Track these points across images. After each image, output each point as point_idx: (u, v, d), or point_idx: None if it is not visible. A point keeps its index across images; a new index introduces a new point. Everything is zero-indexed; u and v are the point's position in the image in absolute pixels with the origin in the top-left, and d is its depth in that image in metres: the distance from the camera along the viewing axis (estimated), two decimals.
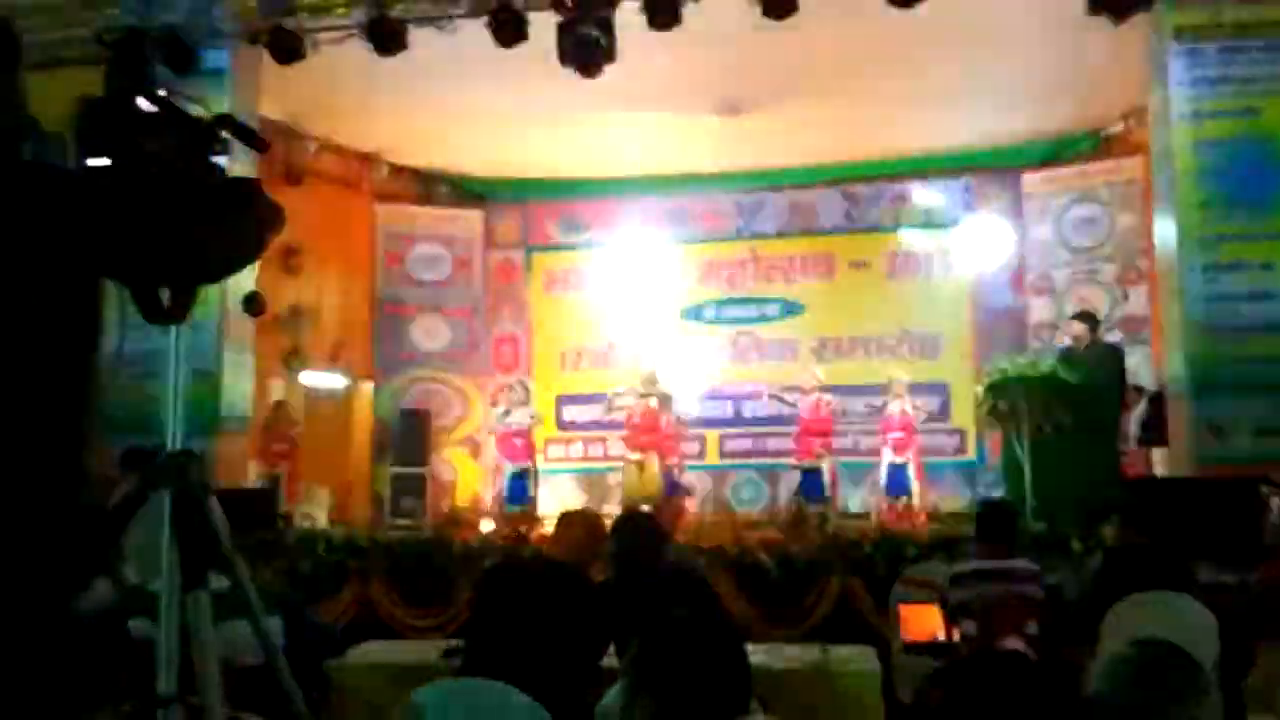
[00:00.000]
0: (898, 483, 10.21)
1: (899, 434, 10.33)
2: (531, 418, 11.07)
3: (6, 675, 1.78)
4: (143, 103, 1.98)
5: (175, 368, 2.19)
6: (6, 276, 1.76)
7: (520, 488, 10.63)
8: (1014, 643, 4.15)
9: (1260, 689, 2.39)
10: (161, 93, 1.95)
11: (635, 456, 10.31)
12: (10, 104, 1.92)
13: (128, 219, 1.90)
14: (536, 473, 10.99)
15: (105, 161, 1.93)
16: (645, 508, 9.57)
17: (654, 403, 10.43)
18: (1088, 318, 8.48)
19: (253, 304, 2.33)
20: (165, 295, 2.08)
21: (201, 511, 2.02)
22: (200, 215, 1.95)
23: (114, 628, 3.17)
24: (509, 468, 10.78)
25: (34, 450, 1.80)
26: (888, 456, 10.37)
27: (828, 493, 10.16)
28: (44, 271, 1.79)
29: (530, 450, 10.97)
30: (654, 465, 10.21)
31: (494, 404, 11.63)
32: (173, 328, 2.12)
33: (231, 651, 2.27)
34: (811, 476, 10.23)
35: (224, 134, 2.03)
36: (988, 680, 1.90)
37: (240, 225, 2.03)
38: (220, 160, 2.01)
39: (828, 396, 10.57)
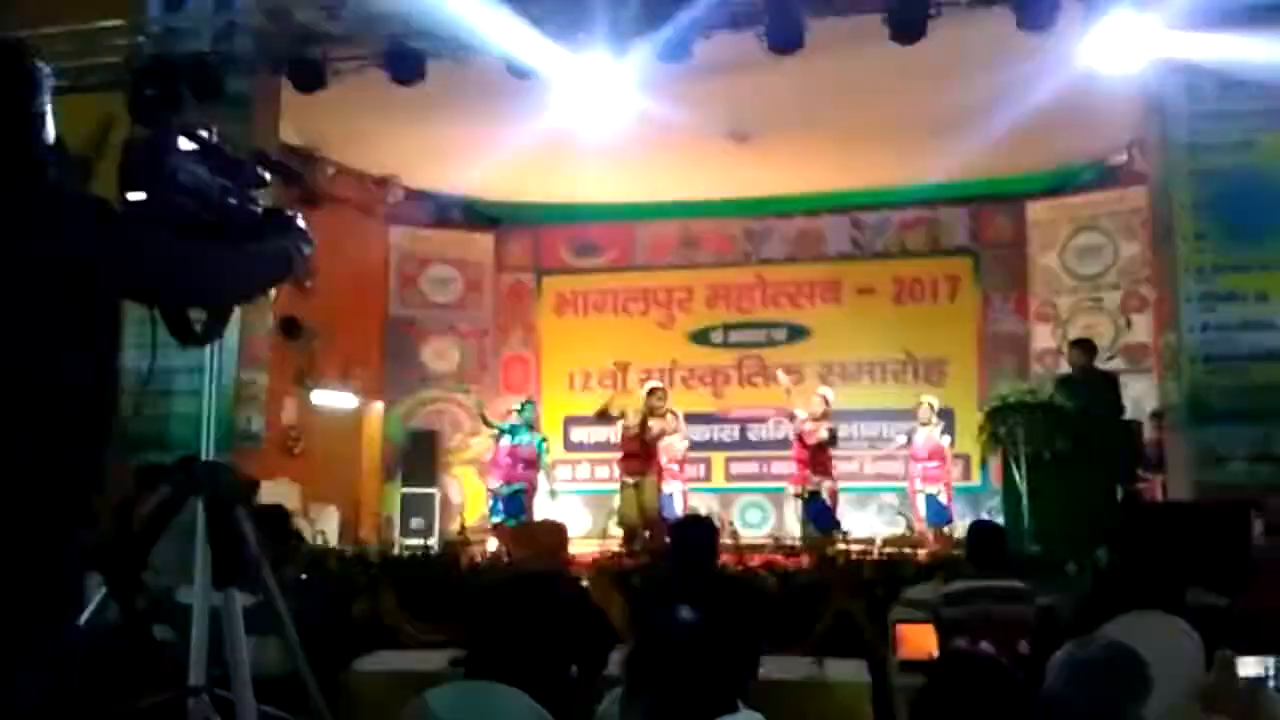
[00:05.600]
0: (935, 513, 10.06)
1: (932, 464, 10.20)
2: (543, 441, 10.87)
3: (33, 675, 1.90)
4: (182, 140, 2.14)
5: (209, 384, 2.35)
6: (25, 295, 1.90)
7: (515, 506, 10.32)
8: (988, 648, 4.28)
9: (1213, 692, 2.52)
10: (203, 132, 2.12)
11: (630, 480, 10.02)
12: (30, 130, 2.02)
13: (163, 246, 2.05)
14: (533, 491, 10.62)
15: (141, 196, 2.09)
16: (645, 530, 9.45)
17: (654, 425, 10.04)
18: (1086, 345, 8.63)
19: (290, 329, 2.50)
20: (197, 318, 2.24)
21: (232, 516, 2.18)
22: (237, 241, 2.11)
23: (140, 632, 3.32)
24: (503, 488, 10.47)
25: (52, 461, 1.92)
26: (919, 486, 10.26)
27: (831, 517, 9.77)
28: (60, 292, 1.90)
29: (531, 470, 10.63)
30: (650, 488, 9.90)
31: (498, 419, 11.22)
32: (208, 346, 2.28)
33: (257, 665, 2.40)
34: (816, 501, 9.94)
35: (260, 168, 2.20)
36: (953, 677, 2.04)
37: (276, 251, 2.19)
38: (258, 193, 2.17)
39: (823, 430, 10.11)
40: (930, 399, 10.62)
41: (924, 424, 10.36)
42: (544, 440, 10.96)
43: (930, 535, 9.77)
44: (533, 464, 10.61)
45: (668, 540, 4.75)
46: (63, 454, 1.91)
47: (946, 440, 10.50)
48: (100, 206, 2.00)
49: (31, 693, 1.84)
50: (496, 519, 10.41)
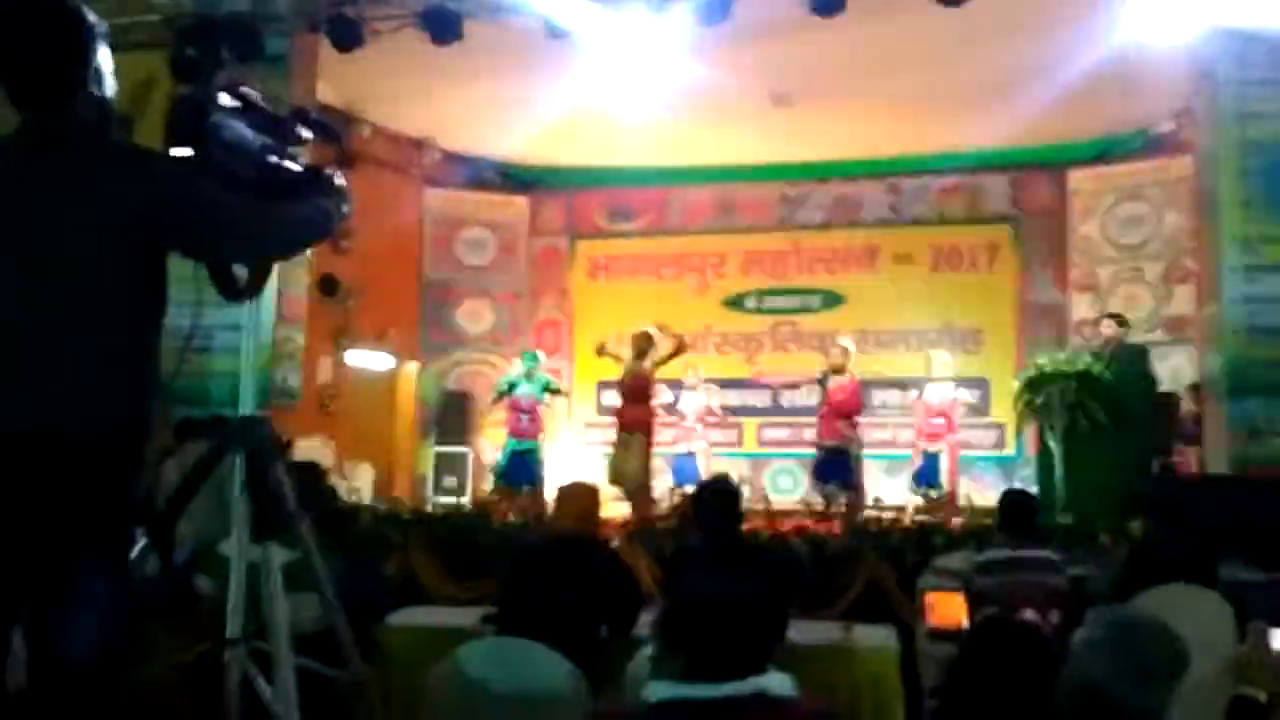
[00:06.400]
0: (925, 472, 9.76)
1: (937, 420, 9.89)
2: (547, 390, 10.45)
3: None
4: (225, 97, 2.16)
5: (247, 339, 2.37)
6: (89, 247, 1.93)
7: (522, 466, 9.92)
8: (1032, 616, 4.28)
9: (1245, 663, 2.50)
10: (245, 89, 2.13)
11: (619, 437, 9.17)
12: (90, 83, 2.05)
13: (215, 199, 2.08)
14: (538, 450, 10.28)
15: (187, 151, 2.11)
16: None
17: (648, 365, 9.27)
18: (1119, 319, 8.61)
19: (327, 285, 2.52)
20: (241, 274, 2.27)
21: (271, 471, 2.21)
22: (279, 197, 2.13)
23: (179, 583, 3.38)
24: (510, 443, 10.11)
25: (115, 409, 1.96)
26: (923, 444, 9.96)
27: (853, 478, 9.35)
28: (122, 243, 1.95)
29: (535, 424, 10.25)
30: (638, 448, 8.95)
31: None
32: (246, 302, 2.30)
33: (294, 620, 2.43)
34: (838, 459, 9.42)
35: (300, 126, 2.21)
36: (992, 643, 2.03)
37: (316, 208, 2.20)
38: (297, 151, 2.18)
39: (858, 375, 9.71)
40: (943, 354, 10.39)
41: (937, 379, 10.06)
42: (546, 385, 10.48)
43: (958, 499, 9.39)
44: (535, 415, 10.26)
45: (691, 505, 4.78)
46: (123, 403, 1.96)
47: (957, 395, 10.12)
48: (158, 159, 2.04)
49: (92, 632, 1.90)
50: (501, 482, 9.93)
